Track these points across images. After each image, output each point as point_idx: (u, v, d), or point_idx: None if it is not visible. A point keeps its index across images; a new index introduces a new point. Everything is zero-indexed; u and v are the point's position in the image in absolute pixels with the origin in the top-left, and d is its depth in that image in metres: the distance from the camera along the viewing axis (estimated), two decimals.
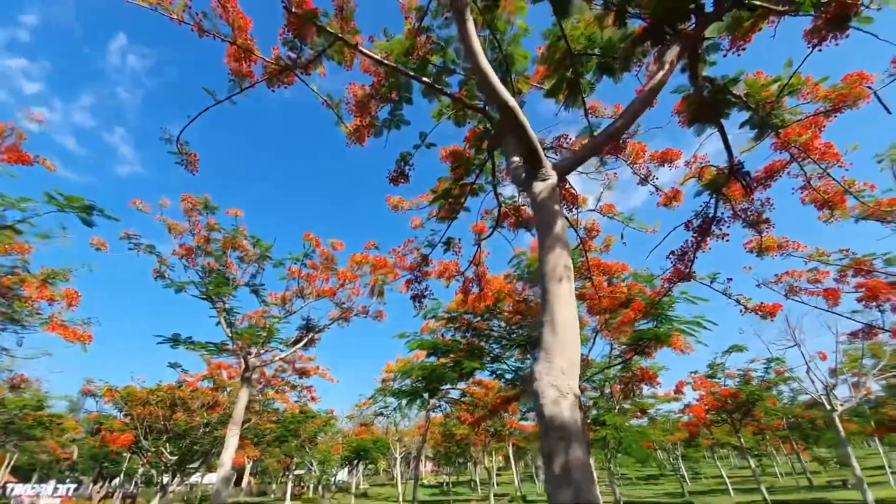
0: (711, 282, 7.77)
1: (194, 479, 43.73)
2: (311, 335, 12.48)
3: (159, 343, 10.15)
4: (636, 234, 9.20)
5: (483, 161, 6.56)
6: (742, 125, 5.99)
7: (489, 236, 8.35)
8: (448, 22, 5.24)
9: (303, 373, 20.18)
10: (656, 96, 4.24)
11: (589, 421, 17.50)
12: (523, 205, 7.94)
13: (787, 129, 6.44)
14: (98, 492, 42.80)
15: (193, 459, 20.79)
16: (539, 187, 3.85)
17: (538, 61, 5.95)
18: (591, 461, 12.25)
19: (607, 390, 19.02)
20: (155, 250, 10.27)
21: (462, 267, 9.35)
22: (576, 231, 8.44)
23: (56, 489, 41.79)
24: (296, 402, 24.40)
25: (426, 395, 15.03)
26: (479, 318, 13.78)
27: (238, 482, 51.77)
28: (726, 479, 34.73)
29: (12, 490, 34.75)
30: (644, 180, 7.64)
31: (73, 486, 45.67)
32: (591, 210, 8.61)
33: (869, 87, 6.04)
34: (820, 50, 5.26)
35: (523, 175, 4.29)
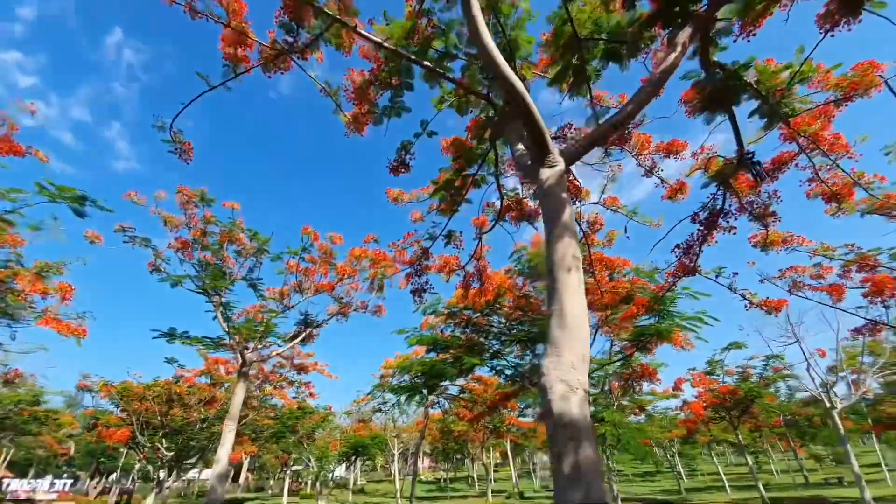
0: (717, 276, 7.65)
1: (191, 474, 43.68)
2: (308, 330, 12.32)
3: (155, 337, 10.00)
4: (638, 228, 9.07)
5: (485, 151, 6.39)
6: (751, 114, 5.83)
7: (490, 230, 8.20)
8: (450, 5, 5.06)
9: (301, 368, 20.03)
10: (668, 79, 4.07)
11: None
12: (525, 197, 7.78)
13: (796, 119, 6.30)
14: (95, 487, 42.68)
15: (190, 455, 20.68)
16: (546, 174, 3.70)
17: (543, 46, 5.78)
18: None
19: (606, 387, 18.96)
20: (150, 243, 10.09)
21: (463, 261, 9.21)
22: (578, 224, 8.29)
23: (53, 484, 41.63)
24: (294, 398, 24.29)
25: (425, 392, 14.92)
26: (478, 314, 13.65)
27: (235, 478, 51.74)
28: (723, 476, 34.83)
29: (8, 485, 34.58)
30: (649, 172, 7.48)
31: (69, 481, 45.54)
32: (595, 203, 8.46)
33: (880, 76, 5.91)
34: (832, 35, 5.12)
35: (528, 162, 4.13)
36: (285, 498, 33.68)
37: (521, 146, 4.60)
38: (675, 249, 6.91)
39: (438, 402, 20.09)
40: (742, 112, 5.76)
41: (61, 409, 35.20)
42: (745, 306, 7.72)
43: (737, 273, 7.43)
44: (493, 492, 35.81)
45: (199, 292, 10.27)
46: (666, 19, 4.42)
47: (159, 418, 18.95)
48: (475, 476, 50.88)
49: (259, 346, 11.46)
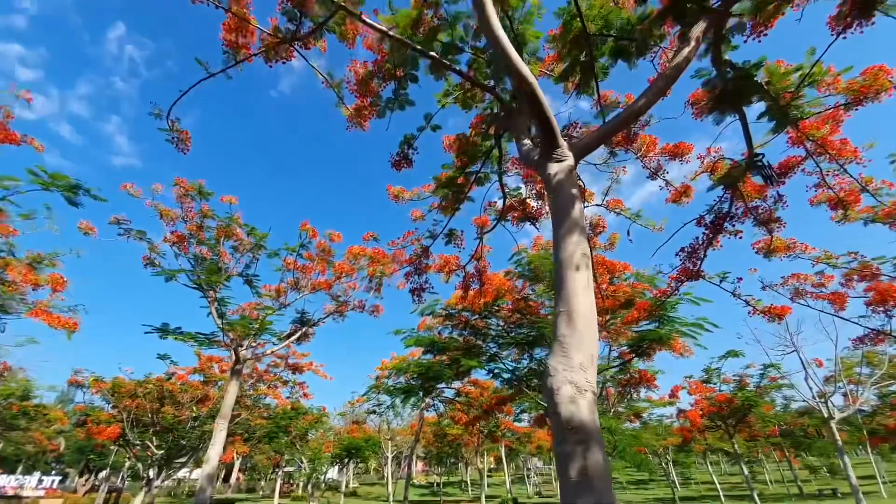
0: (721, 281, 7.53)
1: (181, 474, 43.20)
2: (304, 329, 12.14)
3: (147, 332, 9.79)
4: (640, 232, 8.96)
5: (489, 148, 6.28)
6: (759, 116, 5.75)
7: (492, 230, 8.08)
8: None
9: (295, 368, 19.83)
10: (680, 75, 3.97)
11: None
12: (528, 197, 7.67)
13: (804, 122, 6.22)
14: (83, 485, 42.14)
15: (181, 454, 20.36)
16: (554, 168, 3.58)
17: (550, 42, 5.67)
18: None
19: (602, 393, 18.82)
20: (146, 236, 9.91)
21: (463, 261, 9.08)
22: None
23: (41, 481, 41.12)
24: (287, 397, 24.05)
25: (421, 394, 14.75)
26: (477, 316, 13.51)
27: (227, 478, 51.25)
28: (717, 485, 34.66)
29: None
30: (654, 174, 7.38)
31: (58, 478, 44.97)
32: (598, 205, 8.35)
33: (890, 80, 5.84)
34: (844, 37, 5.06)
35: (536, 157, 4.01)
36: (276, 499, 33.32)
37: (527, 141, 4.49)
38: (680, 253, 6.79)
39: (434, 405, 19.90)
40: (751, 114, 5.69)
41: (51, 405, 34.77)
42: (749, 312, 7.61)
43: (741, 278, 7.31)
44: (486, 497, 35.54)
45: (193, 287, 10.08)
46: (678, 14, 4.32)
47: (150, 416, 18.65)
48: (468, 480, 50.55)
49: (254, 344, 11.27)
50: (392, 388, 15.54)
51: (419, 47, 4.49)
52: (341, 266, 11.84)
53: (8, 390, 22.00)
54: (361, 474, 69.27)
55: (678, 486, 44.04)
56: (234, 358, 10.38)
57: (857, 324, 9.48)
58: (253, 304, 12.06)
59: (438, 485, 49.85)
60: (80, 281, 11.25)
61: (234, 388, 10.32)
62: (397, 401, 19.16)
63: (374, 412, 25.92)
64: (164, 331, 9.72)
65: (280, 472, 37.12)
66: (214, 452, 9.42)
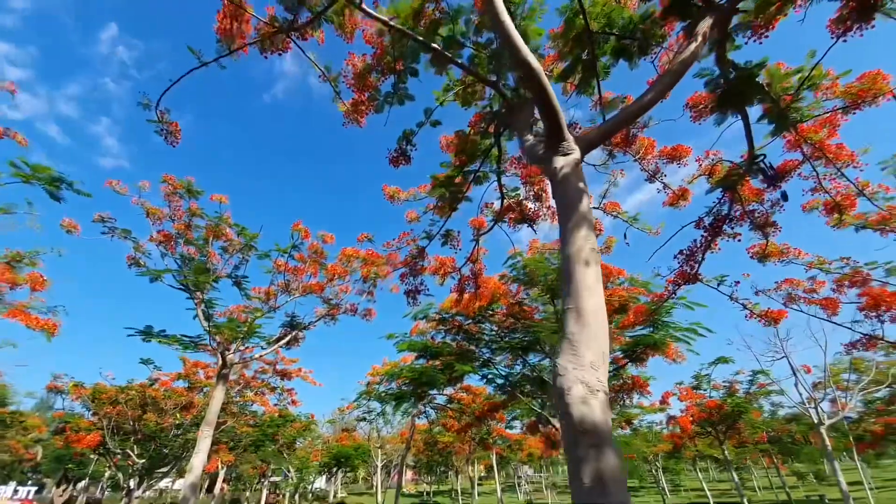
0: (719, 284, 7.50)
1: (163, 484, 41.99)
2: (294, 332, 11.84)
3: (130, 335, 9.42)
4: (636, 237, 8.91)
5: (488, 147, 6.17)
6: (759, 119, 5.74)
7: (489, 231, 7.95)
8: None
9: (284, 374, 19.44)
10: (687, 70, 3.91)
11: None
12: (526, 198, 7.58)
13: (802, 126, 6.24)
14: (60, 495, 40.73)
15: (163, 463, 19.72)
16: (560, 162, 3.47)
17: (552, 41, 5.62)
18: None
19: None
20: (131, 235, 9.58)
21: (458, 264, 8.93)
22: None
23: (16, 491, 39.64)
24: (275, 405, 23.55)
25: (413, 400, 14.49)
26: (470, 321, 13.35)
27: (210, 489, 49.91)
28: (707, 492, 34.73)
29: None
30: (652, 176, 7.35)
31: (34, 488, 43.41)
32: (595, 208, 8.28)
33: (887, 85, 5.89)
34: (844, 40, 5.09)
35: (541, 151, 3.90)
36: None
37: (530, 137, 4.39)
38: (678, 255, 6.74)
39: (425, 412, 19.60)
40: (751, 116, 5.67)
41: (29, 412, 33.61)
42: (746, 316, 7.59)
43: (739, 282, 7.29)
44: None
45: (180, 288, 9.75)
46: (684, 10, 4.28)
47: (132, 423, 18.04)
48: (459, 489, 49.94)
49: (241, 348, 10.95)
50: (384, 394, 15.24)
51: (421, 38, 4.37)
52: (334, 268, 11.59)
53: None
54: (349, 484, 68.12)
55: (668, 493, 44.02)
56: (220, 362, 10.04)
57: (850, 329, 9.53)
58: (241, 307, 11.73)
59: (428, 494, 49.21)
60: (60, 281, 10.81)
61: (220, 393, 9.98)
62: (388, 408, 18.86)
63: (365, 419, 25.45)
64: (147, 334, 9.36)
65: (266, 482, 36.26)
66: (198, 461, 9.06)
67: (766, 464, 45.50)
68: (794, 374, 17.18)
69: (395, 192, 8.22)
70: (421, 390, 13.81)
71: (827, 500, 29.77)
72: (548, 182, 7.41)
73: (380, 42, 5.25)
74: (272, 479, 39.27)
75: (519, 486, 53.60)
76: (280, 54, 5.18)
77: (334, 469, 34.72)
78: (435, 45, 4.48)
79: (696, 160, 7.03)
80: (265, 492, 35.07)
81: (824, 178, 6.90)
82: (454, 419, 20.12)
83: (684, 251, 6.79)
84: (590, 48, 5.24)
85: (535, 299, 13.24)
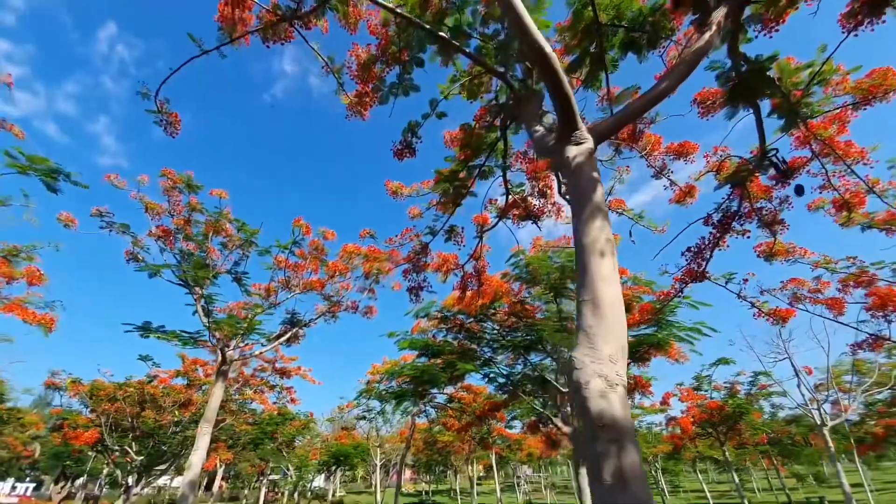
0: (727, 282, 7.40)
1: (162, 481, 41.87)
2: (295, 330, 11.73)
3: (128, 331, 9.31)
4: (641, 235, 8.81)
5: (494, 140, 6.07)
6: (769, 114, 5.65)
7: (493, 227, 7.86)
8: None
9: (283, 373, 19.35)
10: (701, 60, 3.82)
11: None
12: (531, 194, 7.48)
13: (812, 122, 6.15)
14: (58, 492, 40.62)
15: (161, 461, 19.61)
16: (573, 151, 3.37)
17: (559, 34, 5.52)
18: (583, 471, 11.74)
19: None
20: (129, 230, 9.46)
21: (461, 260, 8.84)
22: None
23: (14, 488, 39.57)
24: (274, 403, 23.45)
25: (414, 399, 14.40)
26: (472, 320, 13.25)
27: (209, 486, 49.80)
28: (707, 493, 34.66)
29: None
30: (659, 173, 7.25)
31: (32, 485, 43.33)
32: None
33: None
34: (855, 35, 5.01)
35: (551, 142, 3.80)
36: None
37: (539, 128, 4.29)
38: (686, 253, 6.65)
39: (425, 411, 19.52)
40: (763, 110, 5.58)
41: (26, 409, 33.50)
42: (754, 315, 7.49)
43: (747, 280, 7.19)
44: None
45: (179, 283, 9.63)
46: (695, 3, 4.19)
47: (130, 420, 17.93)
48: (457, 489, 49.86)
49: (241, 345, 10.83)
50: (384, 392, 15.14)
51: (428, 27, 4.27)
52: (335, 265, 11.49)
53: None
54: (348, 483, 68.03)
55: (667, 495, 43.96)
56: (220, 358, 9.94)
57: (856, 329, 9.44)
58: (241, 304, 11.63)
59: (427, 493, 49.13)
60: (58, 276, 10.71)
61: (219, 390, 9.88)
62: (387, 407, 18.76)
63: (364, 418, 25.36)
64: (146, 329, 9.25)
65: (265, 481, 36.16)
66: (197, 458, 8.96)
67: (765, 465, 45.48)
68: (797, 375, 17.10)
69: (398, 188, 8.13)
70: (422, 389, 13.72)
71: (827, 502, 29.69)
72: (553, 178, 7.33)
73: (384, 32, 5.15)
74: (271, 477, 39.18)
75: (518, 486, 53.52)
76: (283, 44, 5.08)
77: (333, 468, 34.61)
78: (442, 34, 4.38)
79: (704, 156, 6.93)
80: (264, 490, 34.96)
81: (833, 176, 6.82)
82: (454, 418, 20.04)
83: (692, 248, 6.70)
84: (598, 40, 5.14)
85: (538, 298, 13.14)
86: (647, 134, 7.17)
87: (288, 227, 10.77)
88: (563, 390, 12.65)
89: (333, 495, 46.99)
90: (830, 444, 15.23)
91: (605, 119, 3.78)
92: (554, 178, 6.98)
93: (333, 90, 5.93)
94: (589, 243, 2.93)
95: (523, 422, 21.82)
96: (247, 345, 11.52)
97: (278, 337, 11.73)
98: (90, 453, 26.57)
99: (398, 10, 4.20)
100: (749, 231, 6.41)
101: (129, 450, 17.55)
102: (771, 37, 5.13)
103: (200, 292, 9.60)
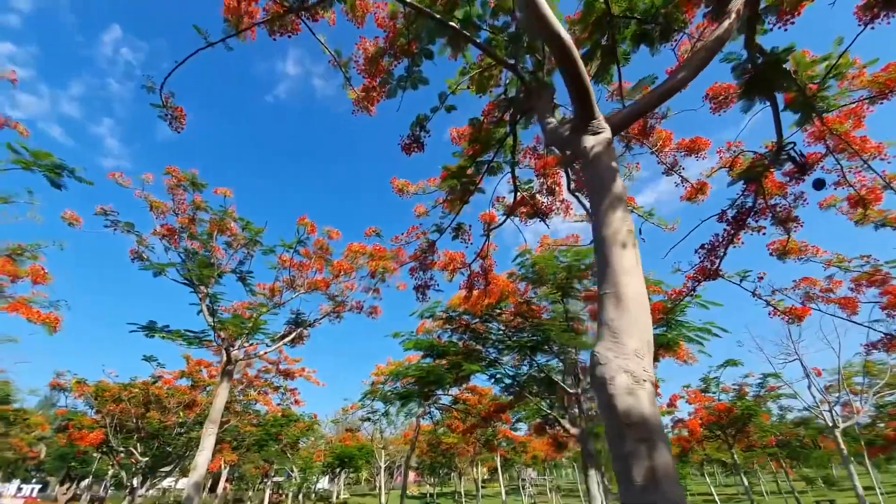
0: (741, 280, 7.25)
1: (167, 483, 41.91)
2: (299, 330, 11.65)
3: (133, 331, 9.26)
4: (651, 233, 8.68)
5: (503, 136, 5.97)
6: (784, 108, 5.52)
7: (501, 225, 7.74)
8: None
9: (287, 374, 19.28)
10: (720, 48, 3.72)
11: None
12: (539, 192, 7.37)
13: (827, 117, 6.01)
14: (64, 493, 40.73)
15: (166, 462, 19.56)
16: (591, 141, 3.26)
17: (570, 26, 5.41)
18: (594, 474, 11.58)
19: None
20: (134, 229, 9.41)
21: (468, 259, 8.73)
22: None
23: (20, 489, 39.72)
24: (278, 404, 23.38)
25: (419, 400, 14.28)
26: (477, 320, 13.12)
27: (213, 488, 49.78)
28: (715, 496, 34.26)
29: None
30: (670, 169, 7.12)
31: (38, 486, 43.43)
32: None
33: None
34: (872, 27, 4.89)
35: (567, 133, 3.69)
36: None
37: (552, 120, 4.19)
38: (699, 250, 6.52)
39: (430, 413, 19.37)
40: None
41: (31, 410, 33.59)
42: (770, 313, 7.34)
43: (762, 277, 7.03)
44: None
45: (184, 282, 9.58)
46: None
47: (135, 421, 17.90)
48: (462, 491, 49.60)
49: (246, 344, 10.76)
50: (389, 393, 15.02)
51: (439, 17, 4.18)
52: (340, 265, 11.40)
53: None
54: (352, 485, 67.83)
55: None
56: (225, 358, 9.86)
57: (869, 328, 9.25)
58: (246, 304, 11.56)
59: (431, 496, 48.90)
60: (62, 275, 10.68)
61: (224, 390, 9.81)
62: (391, 409, 18.62)
63: (369, 419, 25.25)
64: (150, 329, 9.19)
65: (269, 482, 36.08)
66: (203, 459, 8.89)
67: (774, 468, 44.96)
68: (807, 376, 16.85)
69: (405, 186, 8.03)
70: (427, 389, 13.60)
71: None
72: (562, 175, 7.21)
73: (392, 25, 5.07)
74: (275, 478, 39.10)
75: (523, 488, 53.19)
76: (289, 36, 5.01)
77: (337, 469, 34.48)
78: (453, 24, 4.29)
79: (717, 151, 6.80)
80: (268, 492, 34.88)
81: (849, 172, 6.67)
82: (459, 420, 19.89)
83: (706, 245, 6.57)
84: (610, 33, 5.04)
85: (544, 298, 13.00)
86: (658, 130, 7.05)
87: (292, 227, 10.70)
88: (571, 391, 12.49)
89: (337, 497, 46.86)
90: (843, 445, 14.97)
91: (621, 110, 3.67)
92: (563, 175, 6.87)
93: (336, 90, 5.87)
94: (610, 234, 2.82)
95: (529, 424, 21.64)
96: (251, 345, 11.45)
97: (283, 337, 11.66)
98: (95, 454, 26.60)
99: (409, 0, 4.11)
100: (764, 228, 6.27)
101: (134, 451, 17.52)
102: (786, 29, 5.02)
103: (205, 291, 9.53)
